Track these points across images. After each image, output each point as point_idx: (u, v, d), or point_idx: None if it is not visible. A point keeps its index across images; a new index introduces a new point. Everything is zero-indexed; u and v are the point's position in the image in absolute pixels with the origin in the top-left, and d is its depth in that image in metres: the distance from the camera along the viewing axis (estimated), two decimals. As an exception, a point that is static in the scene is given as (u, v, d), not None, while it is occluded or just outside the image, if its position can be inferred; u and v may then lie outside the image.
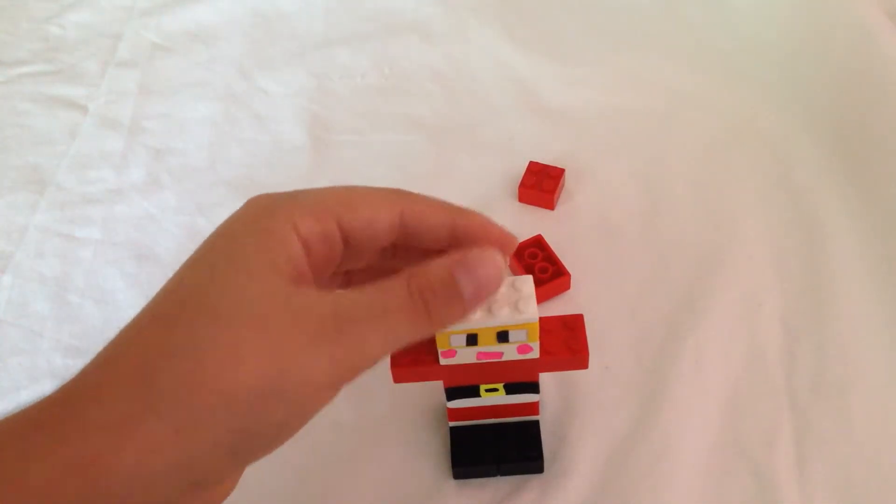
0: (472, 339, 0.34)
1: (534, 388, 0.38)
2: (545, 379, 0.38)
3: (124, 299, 0.49)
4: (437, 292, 0.28)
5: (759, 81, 0.57)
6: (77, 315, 0.48)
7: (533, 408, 0.39)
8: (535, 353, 0.35)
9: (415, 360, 0.36)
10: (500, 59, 0.61)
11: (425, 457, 0.41)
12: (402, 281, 0.28)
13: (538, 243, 0.48)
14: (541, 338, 0.35)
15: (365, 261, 0.33)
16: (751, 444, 0.40)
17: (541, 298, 0.37)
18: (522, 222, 0.51)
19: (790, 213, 0.50)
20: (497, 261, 0.29)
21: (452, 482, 0.40)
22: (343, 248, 0.31)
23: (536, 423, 0.40)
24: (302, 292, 0.28)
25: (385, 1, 0.67)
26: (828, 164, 0.52)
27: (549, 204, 0.51)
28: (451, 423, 0.40)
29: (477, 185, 0.53)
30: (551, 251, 0.47)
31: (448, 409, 0.39)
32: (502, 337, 0.34)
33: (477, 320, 0.33)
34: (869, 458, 0.39)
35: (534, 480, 0.40)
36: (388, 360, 0.36)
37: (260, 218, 0.29)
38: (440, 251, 0.30)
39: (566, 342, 0.36)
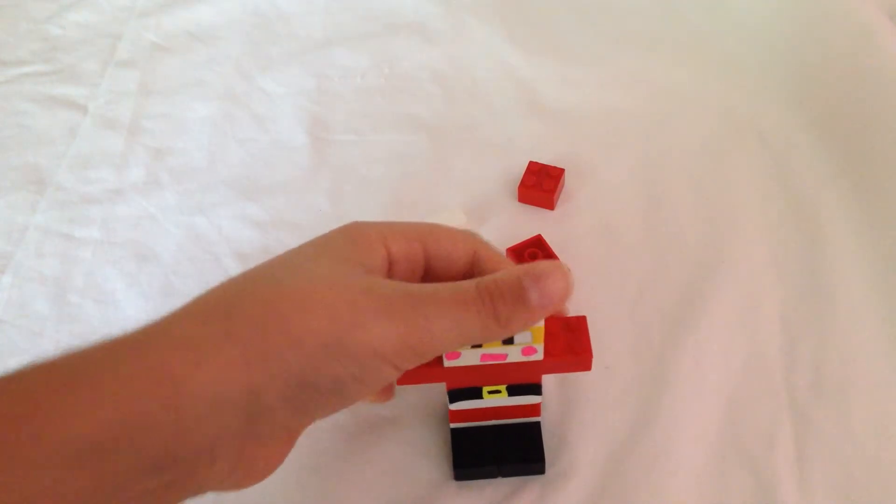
0: None
1: (536, 389, 0.38)
2: (545, 379, 0.38)
3: (124, 299, 0.49)
4: (504, 296, 0.30)
5: (759, 81, 0.57)
6: (77, 315, 0.48)
7: (535, 409, 0.39)
8: (539, 355, 0.35)
9: None
10: (500, 59, 0.61)
11: (425, 457, 0.41)
12: (472, 283, 0.30)
13: (538, 243, 0.48)
14: (544, 340, 0.35)
15: None
16: (751, 443, 0.40)
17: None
18: (522, 222, 0.51)
19: (790, 213, 0.50)
20: (565, 274, 0.31)
21: (452, 482, 0.40)
22: (423, 273, 0.34)
23: (538, 424, 0.40)
24: (378, 278, 0.30)
25: (385, 1, 0.67)
26: (828, 164, 0.52)
27: (549, 204, 0.51)
28: (453, 425, 0.40)
29: (477, 185, 0.53)
30: (551, 251, 0.47)
31: (450, 410, 0.39)
32: (507, 339, 0.34)
33: None
34: (869, 458, 0.39)
35: (534, 481, 0.40)
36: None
37: (354, 229, 0.33)
38: None
39: (570, 344, 0.36)
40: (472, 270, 0.35)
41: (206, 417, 0.27)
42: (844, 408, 0.41)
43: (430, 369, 0.36)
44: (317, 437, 0.42)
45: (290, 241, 0.51)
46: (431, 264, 0.34)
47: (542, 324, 0.34)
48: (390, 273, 0.33)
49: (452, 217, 0.50)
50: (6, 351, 0.47)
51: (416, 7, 0.66)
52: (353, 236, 0.32)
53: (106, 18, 0.67)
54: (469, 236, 0.35)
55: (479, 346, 0.34)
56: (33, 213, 0.54)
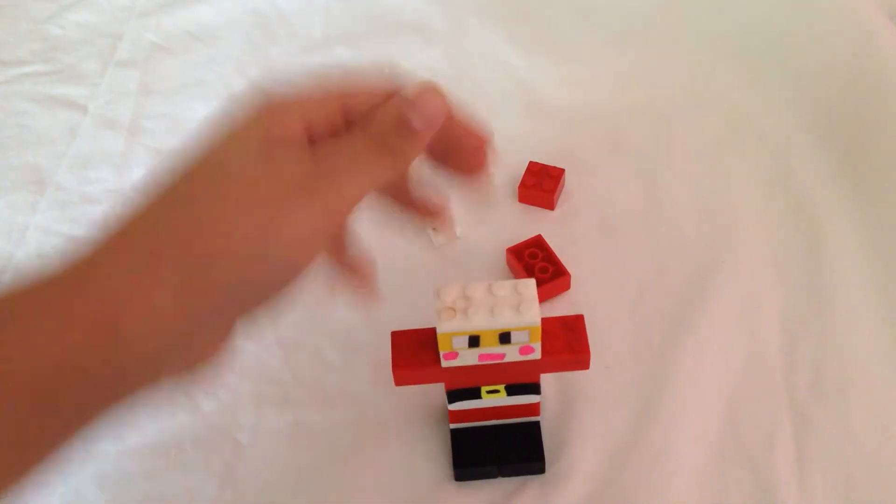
0: (474, 341, 0.34)
1: (535, 388, 0.38)
2: (545, 379, 0.38)
3: (124, 299, 0.49)
4: (391, 131, 0.32)
5: (759, 81, 0.57)
6: (77, 315, 0.48)
7: (534, 409, 0.39)
8: (536, 354, 0.35)
9: (417, 363, 0.36)
10: (500, 59, 0.61)
11: (425, 457, 0.41)
12: (359, 129, 0.31)
13: (538, 243, 0.48)
14: (542, 339, 0.35)
15: None
16: (751, 443, 0.40)
17: (541, 298, 0.37)
18: (522, 222, 0.51)
19: (790, 213, 0.50)
20: (437, 90, 0.32)
21: (452, 482, 0.40)
22: (339, 127, 0.33)
23: (537, 423, 0.40)
24: (285, 151, 0.30)
25: (385, 1, 0.67)
26: (828, 164, 0.51)
27: (549, 204, 0.51)
28: (452, 426, 0.40)
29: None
30: (551, 251, 0.47)
31: (449, 411, 0.39)
32: (504, 338, 0.34)
33: (479, 322, 0.33)
34: (869, 458, 0.39)
35: (534, 480, 0.40)
36: (389, 364, 0.36)
37: (269, 110, 0.31)
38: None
39: (567, 343, 0.36)
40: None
41: (146, 358, 0.28)
42: (844, 408, 0.41)
43: (429, 370, 0.36)
44: (317, 437, 0.42)
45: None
46: (353, 118, 0.33)
47: (539, 323, 0.34)
48: (310, 136, 0.32)
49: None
50: (6, 351, 0.47)
51: (416, 7, 0.66)
52: (268, 120, 0.31)
53: (106, 18, 0.67)
54: (388, 81, 0.35)
55: (477, 345, 0.34)
56: (33, 213, 0.54)
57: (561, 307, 0.46)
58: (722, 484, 0.39)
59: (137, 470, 0.41)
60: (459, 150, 0.34)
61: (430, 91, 0.32)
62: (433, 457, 0.41)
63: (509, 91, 0.59)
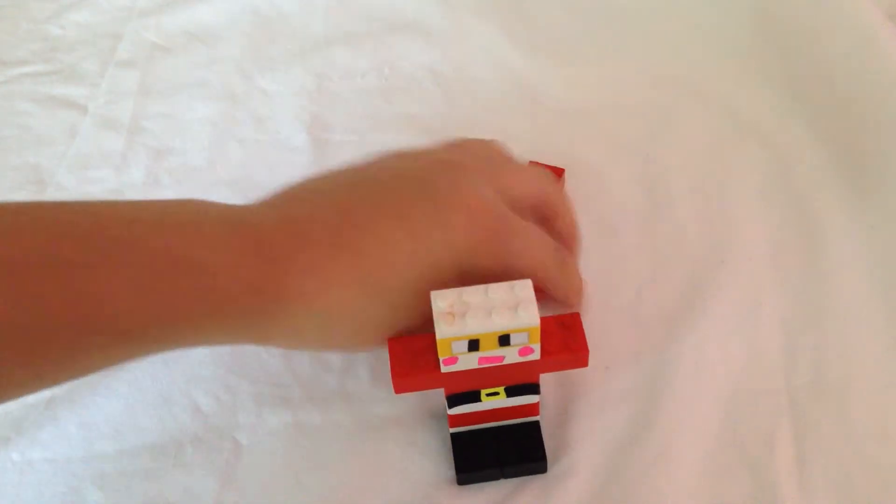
0: (473, 345, 0.34)
1: (534, 388, 0.38)
2: (544, 379, 0.38)
3: (124, 299, 0.49)
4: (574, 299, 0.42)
5: (759, 81, 0.57)
6: (77, 315, 0.48)
7: (533, 409, 0.39)
8: (536, 355, 0.35)
9: (416, 370, 0.36)
10: (500, 59, 0.61)
11: (425, 457, 0.41)
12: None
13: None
14: (540, 339, 0.35)
15: None
16: (751, 444, 0.40)
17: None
18: (522, 222, 0.51)
19: (790, 213, 0.50)
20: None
21: (452, 482, 0.40)
22: None
23: (537, 423, 0.40)
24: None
25: (385, 1, 0.66)
26: (828, 164, 0.51)
27: (549, 204, 0.51)
28: (452, 430, 0.40)
29: (477, 185, 0.53)
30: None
31: (448, 415, 0.39)
32: (504, 341, 0.34)
33: (478, 326, 0.33)
34: (869, 458, 0.39)
35: (534, 481, 0.40)
36: (388, 364, 0.36)
37: (456, 254, 0.37)
38: None
39: (565, 342, 0.36)
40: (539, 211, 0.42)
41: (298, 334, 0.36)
42: (844, 408, 0.41)
43: (428, 376, 0.36)
44: (316, 437, 0.42)
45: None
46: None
47: (538, 324, 0.34)
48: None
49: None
50: (6, 351, 0.47)
51: (416, 7, 0.66)
52: (450, 255, 0.36)
53: (106, 18, 0.67)
54: (540, 182, 0.42)
55: (476, 350, 0.34)
56: (33, 213, 0.54)
57: (560, 307, 0.46)
58: (722, 484, 0.39)
59: (137, 470, 0.41)
60: None
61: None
62: (433, 457, 0.41)
63: (509, 91, 0.59)
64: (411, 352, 0.36)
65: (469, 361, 0.35)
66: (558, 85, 0.59)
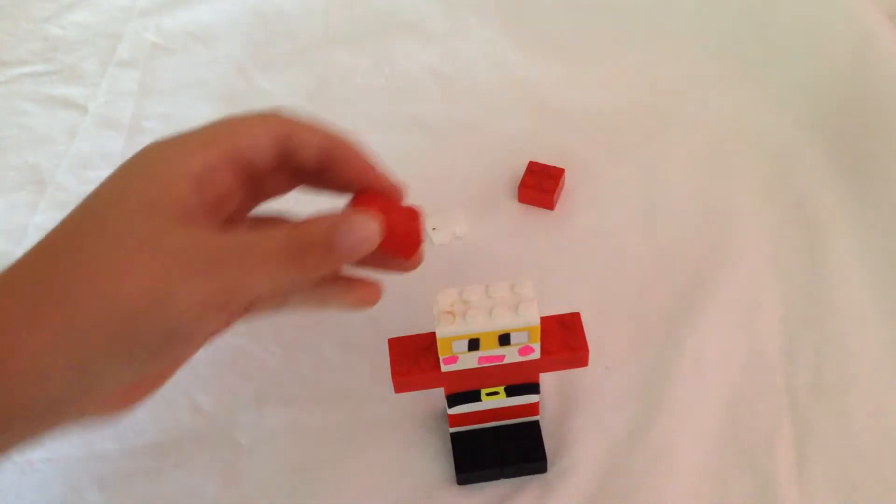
0: (473, 344, 0.34)
1: (534, 388, 0.38)
2: (544, 379, 0.38)
3: (124, 299, 0.49)
4: (314, 245, 0.31)
5: (759, 82, 0.57)
6: (77, 315, 0.48)
7: (533, 408, 0.39)
8: (536, 354, 0.35)
9: (416, 369, 0.36)
10: (500, 59, 0.61)
11: (425, 457, 0.41)
12: (283, 231, 0.31)
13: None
14: (541, 339, 0.35)
15: (269, 194, 0.36)
16: (751, 444, 0.40)
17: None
18: (522, 222, 0.51)
19: (790, 213, 0.50)
20: (372, 227, 0.31)
21: (452, 483, 0.40)
22: (234, 178, 0.33)
23: (537, 423, 0.40)
24: (181, 232, 0.30)
25: (385, 1, 0.66)
26: (828, 164, 0.51)
27: (549, 204, 0.51)
28: (452, 429, 0.40)
29: (477, 185, 0.53)
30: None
31: (448, 415, 0.39)
32: (504, 340, 0.34)
33: (479, 325, 0.33)
34: (869, 458, 0.39)
35: (534, 481, 0.40)
36: (388, 363, 0.36)
37: (147, 162, 0.31)
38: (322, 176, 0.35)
39: (565, 341, 0.36)
40: (287, 156, 0.35)
41: (37, 393, 0.28)
42: (844, 408, 0.41)
43: (428, 375, 0.36)
44: (316, 437, 0.42)
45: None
46: (242, 165, 0.33)
47: (538, 323, 0.34)
48: (200, 194, 0.31)
49: (451, 217, 0.50)
50: (6, 351, 0.47)
51: (416, 7, 0.66)
52: (146, 172, 0.31)
53: (106, 18, 0.67)
54: (273, 117, 0.35)
55: (477, 348, 0.34)
56: (33, 213, 0.54)
57: (561, 306, 0.46)
58: (722, 484, 0.39)
59: (137, 470, 0.41)
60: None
61: (367, 222, 0.31)
62: (433, 457, 0.41)
63: (509, 91, 0.59)
64: (411, 351, 0.36)
65: (469, 360, 0.35)
66: (558, 85, 0.59)
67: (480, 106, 0.59)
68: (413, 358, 0.36)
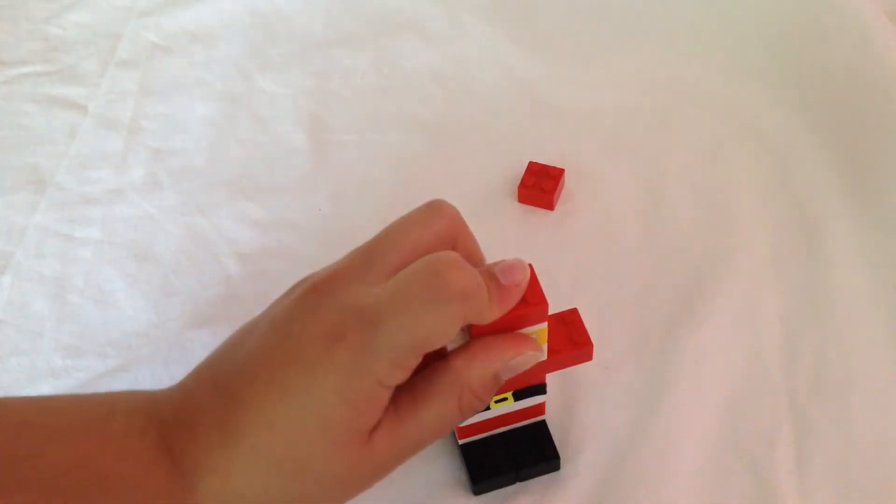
0: None
1: (541, 389, 0.38)
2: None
3: (124, 299, 0.49)
4: (480, 398, 0.33)
5: (759, 82, 0.57)
6: (77, 315, 0.48)
7: (539, 409, 0.39)
8: (543, 356, 0.35)
9: None
10: (500, 59, 0.61)
11: (427, 459, 0.41)
12: (453, 398, 0.32)
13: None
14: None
15: None
16: (751, 444, 0.40)
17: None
18: (522, 222, 0.51)
19: (790, 213, 0.50)
20: (537, 355, 0.34)
21: (452, 483, 0.40)
22: None
23: (543, 422, 0.40)
24: (373, 453, 0.31)
25: (385, 1, 0.66)
26: (828, 164, 0.51)
27: (549, 204, 0.51)
28: (461, 441, 0.40)
29: (477, 185, 0.53)
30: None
31: (457, 427, 0.39)
32: None
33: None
34: (869, 458, 0.39)
35: (534, 481, 0.40)
36: None
37: (347, 376, 0.30)
38: None
39: (569, 337, 0.36)
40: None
41: None
42: (844, 408, 0.41)
43: None
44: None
45: (289, 241, 0.51)
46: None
47: (546, 325, 0.34)
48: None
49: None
50: (6, 351, 0.47)
51: (416, 7, 0.66)
52: (347, 393, 0.30)
53: (106, 18, 0.67)
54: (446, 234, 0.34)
55: None
56: (33, 213, 0.54)
57: (561, 307, 0.46)
58: (722, 484, 0.39)
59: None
60: None
61: (534, 351, 0.33)
62: (435, 458, 0.41)
63: (509, 91, 0.59)
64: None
65: None
66: (558, 85, 0.59)
67: (480, 106, 0.59)
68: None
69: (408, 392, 0.32)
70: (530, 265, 0.33)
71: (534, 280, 0.33)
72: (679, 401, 0.41)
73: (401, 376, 0.30)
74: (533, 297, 0.33)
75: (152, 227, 0.53)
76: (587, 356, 0.36)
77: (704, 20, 0.61)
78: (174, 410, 0.31)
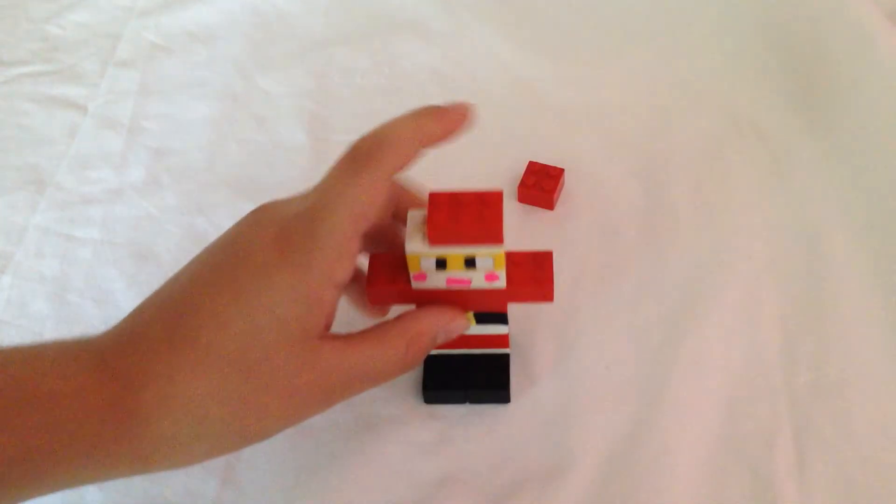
0: (441, 264, 0.36)
1: (503, 318, 0.39)
2: (541, 374, 0.38)
3: (124, 299, 0.49)
4: (423, 347, 0.36)
5: (759, 81, 0.57)
6: (77, 315, 0.48)
7: (503, 340, 0.41)
8: (501, 283, 0.36)
9: (389, 282, 0.37)
10: (500, 59, 0.61)
11: (425, 457, 0.41)
12: (402, 342, 0.36)
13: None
14: (509, 270, 0.36)
15: None
16: (750, 443, 0.40)
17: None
18: (522, 222, 0.51)
19: (790, 213, 0.50)
20: (464, 324, 0.38)
21: (452, 483, 0.40)
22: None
23: (507, 356, 0.42)
24: (320, 358, 0.33)
25: (385, 1, 0.67)
26: (827, 164, 0.52)
27: (549, 204, 0.51)
28: None
29: (477, 184, 0.53)
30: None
31: None
32: (470, 263, 0.35)
33: (447, 247, 0.35)
34: (869, 458, 0.39)
35: (533, 480, 0.40)
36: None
37: (299, 274, 0.32)
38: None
39: (533, 274, 0.37)
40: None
41: (169, 442, 0.31)
42: (844, 408, 0.41)
43: (401, 288, 0.37)
44: (316, 437, 0.42)
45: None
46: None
47: (502, 250, 0.35)
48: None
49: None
50: (6, 351, 0.47)
51: (416, 7, 0.66)
52: (296, 288, 0.32)
53: (106, 18, 0.67)
54: (392, 187, 0.37)
55: (444, 268, 0.36)
56: (33, 213, 0.54)
57: (561, 306, 0.46)
58: (722, 484, 0.39)
59: (137, 470, 0.41)
60: None
61: (464, 322, 0.38)
62: (433, 457, 0.41)
63: (509, 91, 0.59)
64: (388, 266, 0.38)
65: (438, 280, 0.36)
66: (558, 84, 0.59)
67: (480, 106, 0.59)
68: (388, 272, 0.37)
69: (361, 333, 0.35)
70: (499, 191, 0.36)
71: (497, 211, 0.35)
72: (679, 401, 0.41)
73: (347, 266, 0.33)
74: (492, 223, 0.35)
75: (152, 226, 0.53)
76: (547, 296, 0.38)
77: (704, 20, 0.61)
78: (114, 337, 0.32)
